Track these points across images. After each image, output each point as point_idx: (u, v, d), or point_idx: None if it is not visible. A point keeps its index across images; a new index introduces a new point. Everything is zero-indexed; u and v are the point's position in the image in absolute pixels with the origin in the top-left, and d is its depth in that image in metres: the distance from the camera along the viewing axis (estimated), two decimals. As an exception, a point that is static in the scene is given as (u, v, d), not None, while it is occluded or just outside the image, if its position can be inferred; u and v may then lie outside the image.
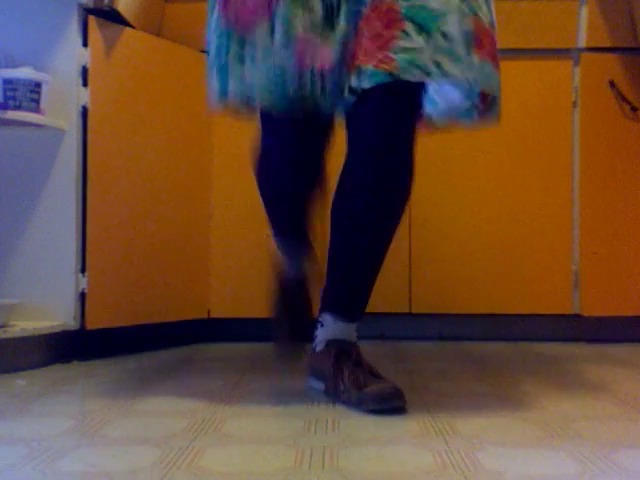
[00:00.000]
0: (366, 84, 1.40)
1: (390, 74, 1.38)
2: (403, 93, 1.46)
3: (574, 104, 2.42)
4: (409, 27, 1.40)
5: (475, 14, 1.45)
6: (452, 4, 1.42)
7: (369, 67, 1.39)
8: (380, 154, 1.50)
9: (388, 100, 1.45)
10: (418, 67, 1.39)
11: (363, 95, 1.43)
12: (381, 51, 1.39)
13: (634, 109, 2.39)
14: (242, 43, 1.46)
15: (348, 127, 1.56)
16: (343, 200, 1.57)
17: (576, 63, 2.42)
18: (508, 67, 2.41)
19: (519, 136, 2.42)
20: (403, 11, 1.40)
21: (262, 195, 1.76)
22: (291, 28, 1.42)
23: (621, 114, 2.40)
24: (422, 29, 1.40)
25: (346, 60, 1.43)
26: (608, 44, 2.40)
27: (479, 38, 1.45)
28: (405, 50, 1.39)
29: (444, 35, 1.41)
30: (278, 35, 1.42)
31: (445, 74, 1.41)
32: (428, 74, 1.40)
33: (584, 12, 2.40)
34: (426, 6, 1.41)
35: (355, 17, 1.42)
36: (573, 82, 2.42)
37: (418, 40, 1.39)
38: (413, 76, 1.39)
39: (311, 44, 1.41)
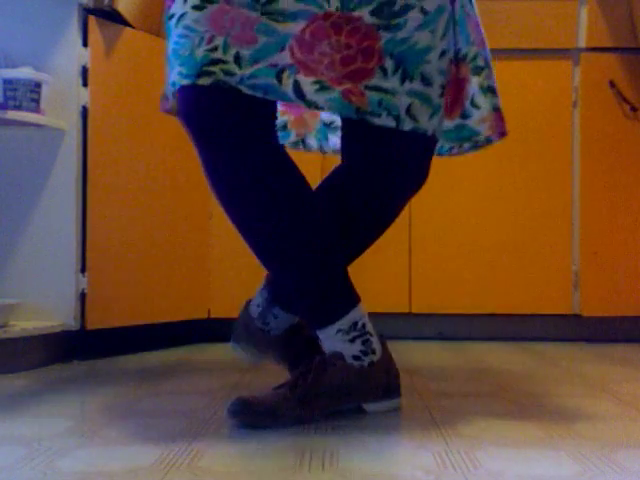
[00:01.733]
0: (329, 108, 1.31)
1: (357, 110, 1.30)
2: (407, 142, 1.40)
3: (574, 104, 2.42)
4: (388, 64, 1.31)
5: (455, 57, 1.42)
6: (436, 38, 1.35)
7: (335, 91, 1.29)
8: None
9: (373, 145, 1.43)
10: (387, 110, 1.32)
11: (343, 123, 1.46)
12: (351, 80, 1.30)
13: (634, 109, 2.39)
14: None
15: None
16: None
17: (576, 63, 2.42)
18: (508, 67, 2.42)
19: (519, 136, 2.42)
20: (382, 43, 1.30)
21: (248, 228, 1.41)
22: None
23: (621, 114, 2.40)
24: (399, 67, 1.32)
25: (287, 48, 1.28)
26: (608, 44, 2.40)
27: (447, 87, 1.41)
28: (378, 89, 1.31)
29: (423, 78, 1.35)
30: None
31: (416, 124, 1.35)
32: (399, 121, 1.34)
33: (584, 12, 2.40)
34: (409, 41, 1.32)
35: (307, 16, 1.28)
36: (573, 82, 2.42)
37: (393, 80, 1.32)
38: (380, 120, 1.32)
39: (232, 7, 1.27)
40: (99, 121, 2.04)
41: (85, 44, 2.01)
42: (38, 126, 1.93)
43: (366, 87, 1.30)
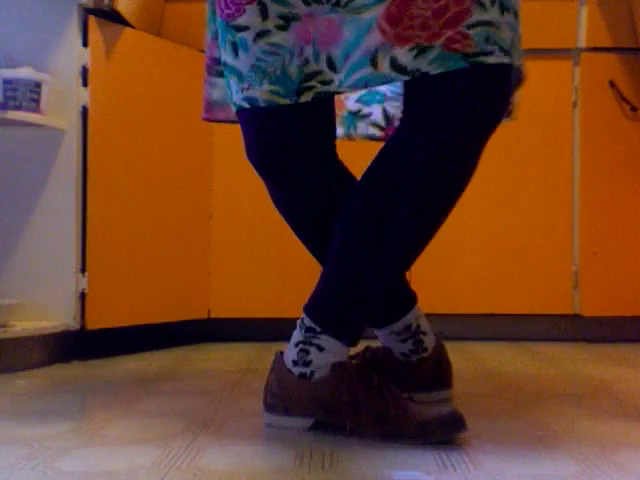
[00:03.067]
0: (434, 69, 1.18)
1: (464, 55, 1.17)
2: (485, 78, 1.21)
3: (574, 104, 2.42)
4: None
5: None
6: None
7: (435, 49, 1.17)
8: (447, 153, 1.25)
9: (466, 88, 1.21)
10: (497, 44, 1.18)
11: (427, 79, 1.21)
12: (449, 28, 1.17)
13: (634, 109, 2.39)
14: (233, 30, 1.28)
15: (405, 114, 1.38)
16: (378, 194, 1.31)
17: (576, 63, 2.42)
18: (508, 67, 2.42)
19: (519, 136, 2.42)
20: None
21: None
22: (287, 6, 1.24)
23: (621, 114, 2.40)
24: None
25: (375, 29, 1.20)
26: (608, 44, 2.40)
27: None
28: (481, 24, 1.18)
29: (516, 11, 1.24)
30: (272, 16, 1.25)
31: (517, 62, 1.26)
32: (507, 54, 1.20)
33: (584, 12, 2.40)
34: None
35: None
36: (573, 82, 2.42)
37: (493, 12, 1.19)
38: (494, 57, 1.18)
39: (314, 18, 1.24)
40: (99, 121, 2.04)
41: (85, 44, 2.01)
42: (38, 126, 1.93)
43: (468, 27, 1.18)
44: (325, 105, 1.41)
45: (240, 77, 1.31)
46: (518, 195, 2.42)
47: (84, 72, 2.01)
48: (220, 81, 1.46)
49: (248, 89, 1.30)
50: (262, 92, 1.28)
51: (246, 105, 1.32)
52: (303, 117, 1.36)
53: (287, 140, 1.38)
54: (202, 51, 2.32)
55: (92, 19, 2.00)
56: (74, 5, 1.98)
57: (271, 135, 1.38)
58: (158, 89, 2.22)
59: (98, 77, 2.03)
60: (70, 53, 1.99)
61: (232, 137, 2.40)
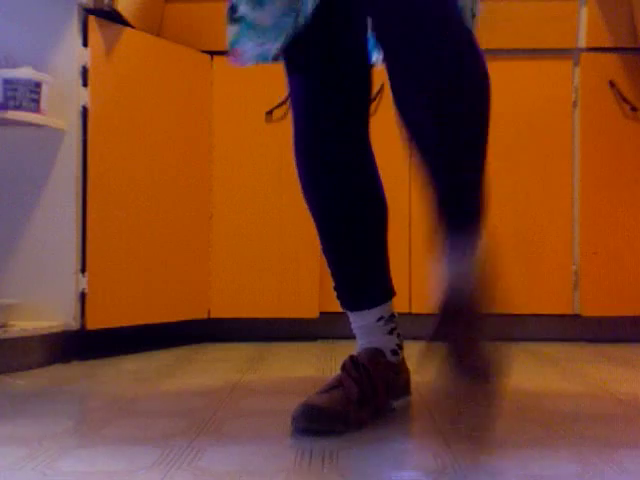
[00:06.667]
0: None
1: None
2: None
3: (574, 104, 2.42)
4: None
5: None
6: None
7: None
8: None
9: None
10: None
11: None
12: None
13: (634, 109, 2.39)
14: None
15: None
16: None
17: (576, 63, 2.42)
18: (508, 67, 2.42)
19: (519, 136, 2.42)
20: None
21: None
22: None
23: (621, 114, 2.40)
24: None
25: None
26: (608, 44, 2.40)
27: None
28: None
29: None
30: None
31: None
32: None
33: (584, 12, 2.40)
34: None
35: None
36: (573, 82, 2.42)
37: None
38: None
39: None
40: (99, 121, 2.04)
41: (85, 44, 2.01)
42: (38, 126, 1.93)
43: None
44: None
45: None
46: (518, 194, 2.42)
47: (84, 72, 2.01)
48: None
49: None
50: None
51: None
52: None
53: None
54: (202, 51, 2.34)
55: (92, 19, 2.00)
56: (74, 5, 1.98)
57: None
58: (158, 89, 2.22)
59: (98, 77, 2.03)
60: (70, 53, 1.99)
61: (232, 138, 2.41)
